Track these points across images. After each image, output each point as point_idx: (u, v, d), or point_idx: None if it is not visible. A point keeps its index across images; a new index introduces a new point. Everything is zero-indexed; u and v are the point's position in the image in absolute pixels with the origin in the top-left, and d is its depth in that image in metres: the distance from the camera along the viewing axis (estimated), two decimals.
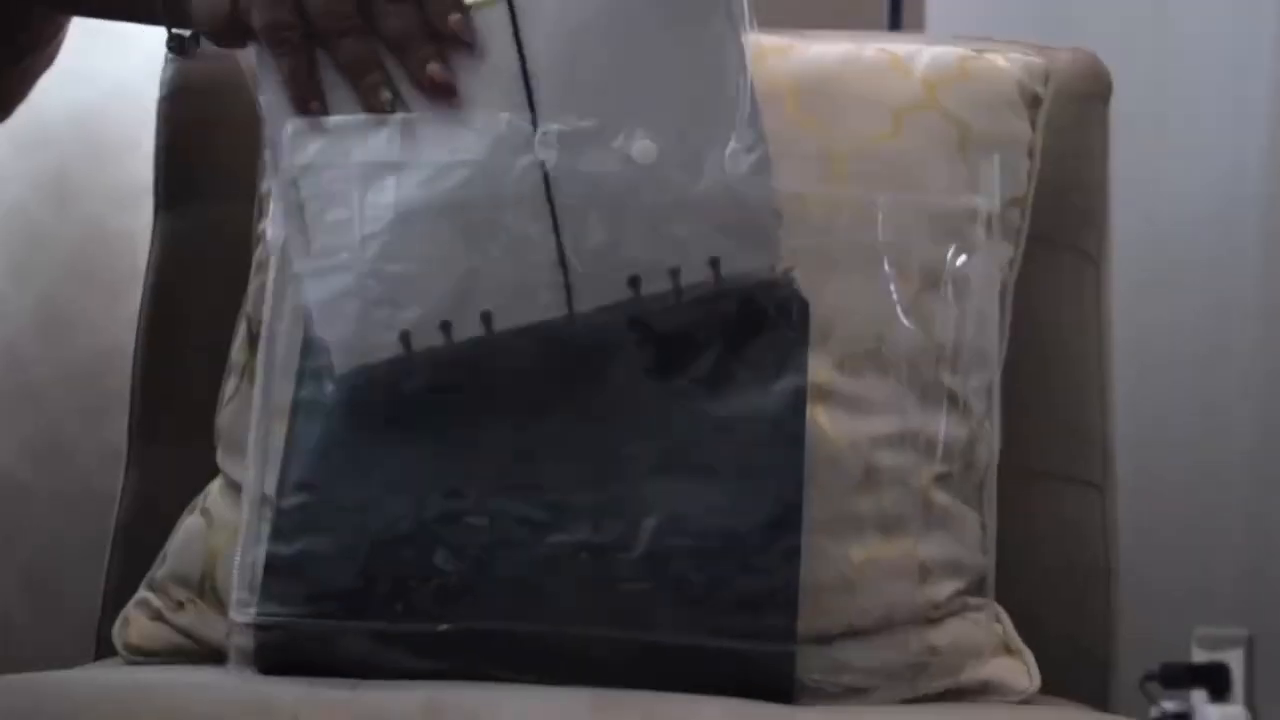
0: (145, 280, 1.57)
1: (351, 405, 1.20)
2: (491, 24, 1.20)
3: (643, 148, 1.20)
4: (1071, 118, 1.50)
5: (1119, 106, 1.55)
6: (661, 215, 1.20)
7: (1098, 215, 1.53)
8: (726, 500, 1.18)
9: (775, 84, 1.36)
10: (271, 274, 1.30)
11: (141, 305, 1.56)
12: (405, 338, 1.19)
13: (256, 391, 1.27)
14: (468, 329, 1.18)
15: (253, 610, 1.18)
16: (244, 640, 1.18)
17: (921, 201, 1.35)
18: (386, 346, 1.19)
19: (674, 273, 1.20)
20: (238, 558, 1.21)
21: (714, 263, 1.21)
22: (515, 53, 1.21)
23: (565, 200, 1.20)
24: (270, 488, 1.22)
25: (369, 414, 1.20)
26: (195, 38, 1.25)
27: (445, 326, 1.19)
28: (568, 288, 1.20)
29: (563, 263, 1.20)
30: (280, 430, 1.23)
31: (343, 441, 1.20)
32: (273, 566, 1.18)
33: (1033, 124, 1.42)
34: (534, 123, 1.20)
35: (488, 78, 1.21)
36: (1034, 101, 1.42)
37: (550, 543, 1.17)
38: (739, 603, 1.16)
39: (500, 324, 1.19)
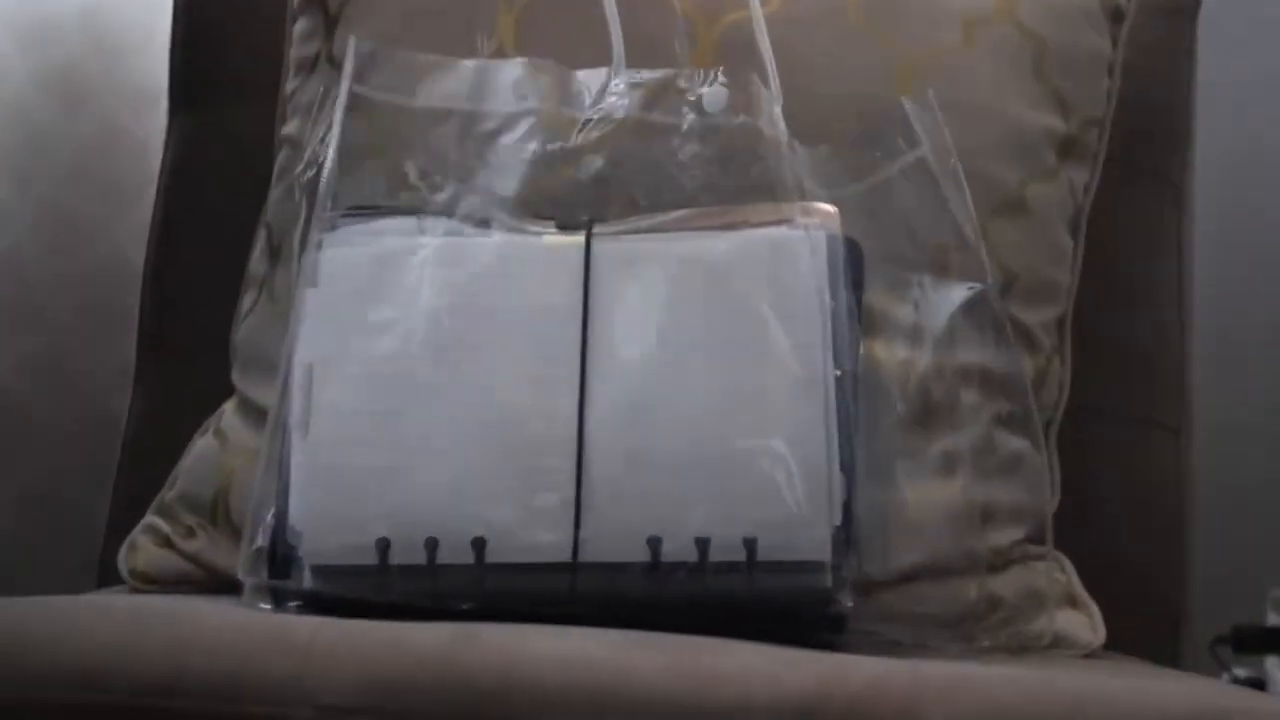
0: (158, 185, 1.57)
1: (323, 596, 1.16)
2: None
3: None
4: (1156, 33, 1.49)
5: (1207, 20, 1.54)
6: (701, 472, 1.16)
7: (1181, 139, 1.53)
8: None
9: None
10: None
11: (154, 212, 1.56)
12: (382, 549, 1.15)
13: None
14: (454, 552, 1.15)
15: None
16: (259, 576, 1.18)
17: (992, 119, 1.35)
18: (359, 552, 1.15)
19: (701, 543, 1.15)
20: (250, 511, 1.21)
21: (749, 544, 1.15)
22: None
23: (597, 437, 1.17)
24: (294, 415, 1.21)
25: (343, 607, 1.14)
26: None
27: (430, 545, 1.15)
28: (576, 529, 1.15)
29: (577, 502, 1.16)
30: None
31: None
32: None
33: (1114, 40, 1.42)
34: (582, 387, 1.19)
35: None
36: (1116, 15, 1.42)
37: None
38: (779, 532, 1.15)
39: (493, 556, 1.15)
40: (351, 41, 1.30)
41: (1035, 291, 1.35)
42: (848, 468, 1.16)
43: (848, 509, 1.15)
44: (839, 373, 1.18)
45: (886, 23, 1.37)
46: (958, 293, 1.29)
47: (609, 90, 1.30)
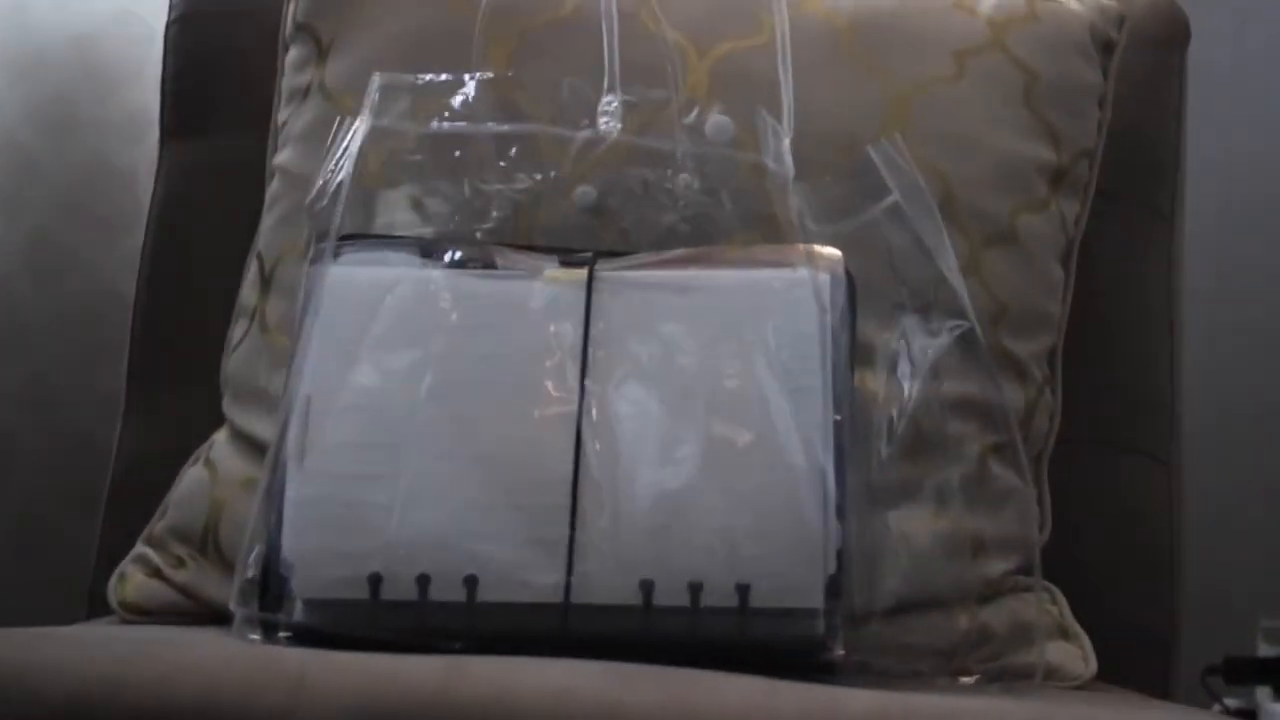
0: (149, 215, 1.56)
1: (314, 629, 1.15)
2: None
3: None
4: (1146, 66, 1.50)
5: (1196, 54, 1.55)
6: (695, 517, 1.15)
7: (1171, 171, 1.53)
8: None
9: (829, 21, 1.37)
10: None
11: (144, 241, 1.56)
12: (374, 583, 1.15)
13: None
14: (446, 590, 1.14)
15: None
16: (250, 608, 1.17)
17: (983, 150, 1.35)
18: (351, 586, 1.15)
19: (694, 588, 1.14)
20: (245, 541, 1.20)
21: (741, 591, 1.14)
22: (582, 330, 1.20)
23: (592, 478, 1.16)
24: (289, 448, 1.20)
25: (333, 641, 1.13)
26: None
27: (422, 581, 1.15)
28: (569, 570, 1.15)
29: (570, 542, 1.15)
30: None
31: None
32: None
33: (1104, 71, 1.42)
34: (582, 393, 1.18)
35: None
36: (1107, 47, 1.42)
37: None
38: (772, 580, 1.14)
39: (484, 595, 1.14)
40: (376, 78, 1.29)
41: (1026, 322, 1.35)
42: (842, 514, 1.15)
43: (841, 556, 1.15)
44: (838, 418, 1.17)
45: (877, 55, 1.36)
46: (944, 327, 1.28)
47: (601, 109, 1.30)
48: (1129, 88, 1.45)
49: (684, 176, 1.29)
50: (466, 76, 1.32)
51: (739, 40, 1.37)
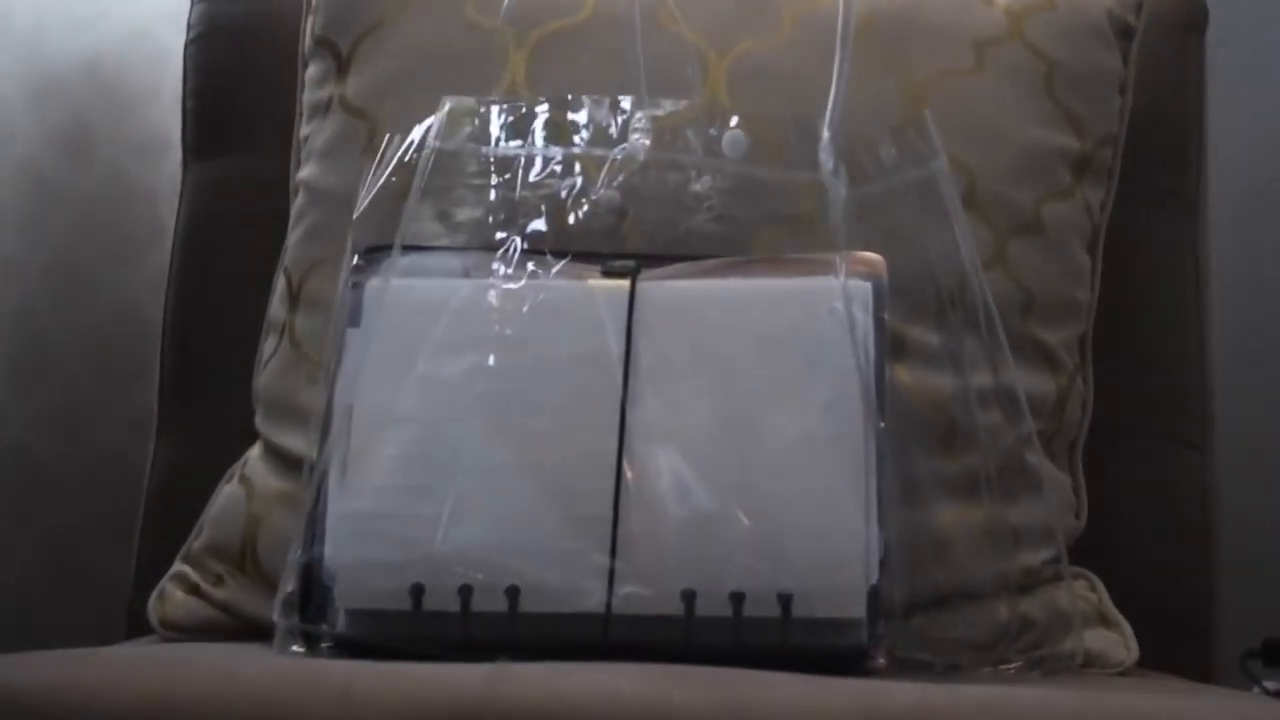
0: (175, 233, 1.57)
1: (356, 640, 1.16)
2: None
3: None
4: (1166, 50, 1.50)
5: (1216, 37, 1.55)
6: (738, 527, 1.15)
7: (1194, 156, 1.53)
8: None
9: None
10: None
11: (171, 260, 1.56)
12: (417, 594, 1.15)
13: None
14: (488, 600, 1.15)
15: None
16: (292, 620, 1.18)
17: (1006, 140, 1.35)
18: (393, 597, 1.15)
19: (736, 598, 1.14)
20: (291, 555, 1.20)
21: (784, 600, 1.14)
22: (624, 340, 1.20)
23: (635, 488, 1.16)
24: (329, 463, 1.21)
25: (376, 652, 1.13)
26: None
27: (465, 592, 1.15)
28: (611, 580, 1.15)
29: (613, 553, 1.15)
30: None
31: None
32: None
33: (1124, 57, 1.42)
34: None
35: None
36: (1125, 33, 1.42)
37: None
38: (815, 590, 1.15)
39: (526, 605, 1.14)
40: (445, 102, 1.30)
41: (1055, 311, 1.35)
42: (884, 522, 1.16)
43: (884, 565, 1.15)
44: (881, 425, 1.18)
45: (897, 47, 1.37)
46: (974, 314, 1.28)
47: (633, 125, 1.30)
48: (1149, 73, 1.45)
49: (707, 178, 1.29)
50: (525, 105, 1.32)
51: (757, 39, 1.37)
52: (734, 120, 1.30)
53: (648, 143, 1.29)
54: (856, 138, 1.28)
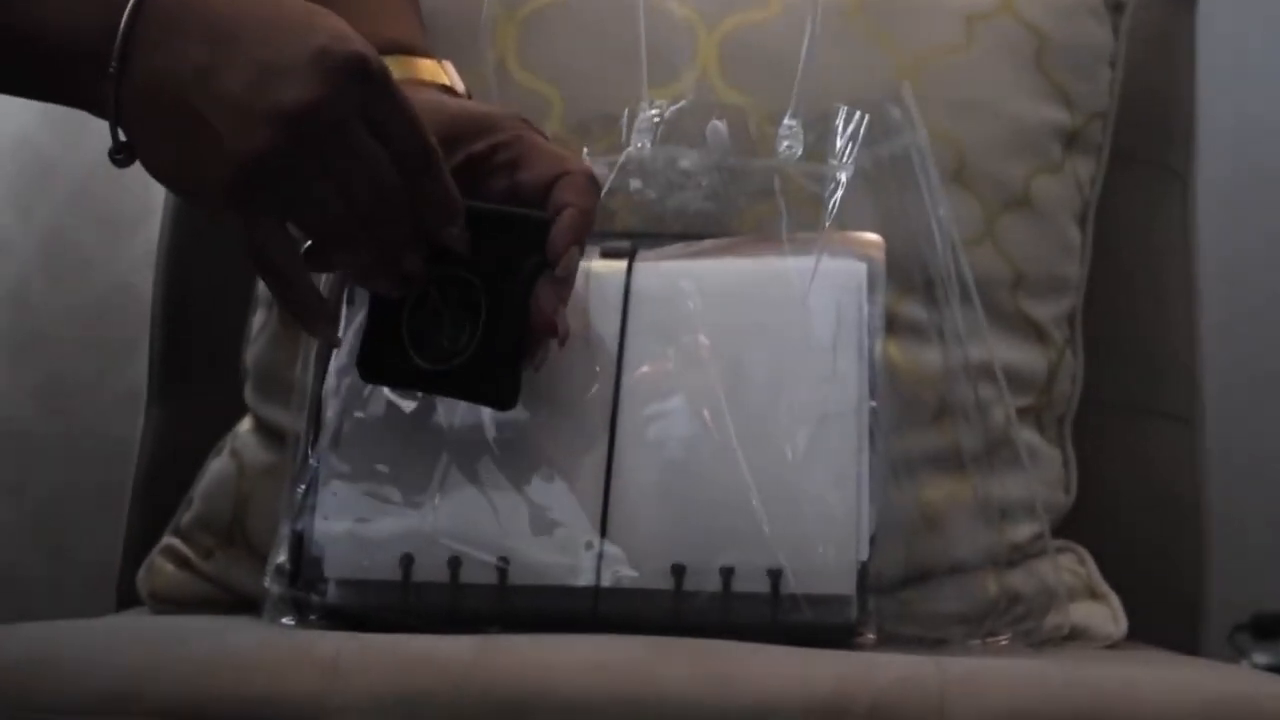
0: (165, 207, 1.56)
1: (346, 610, 1.17)
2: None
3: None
4: (1156, 24, 1.50)
5: (1205, 10, 1.55)
6: (728, 502, 1.15)
7: (1184, 130, 1.53)
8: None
9: None
10: None
11: (161, 233, 1.56)
12: (406, 565, 1.16)
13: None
14: (477, 572, 1.15)
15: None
16: (281, 589, 1.19)
17: (996, 115, 1.35)
18: (383, 567, 1.16)
19: (725, 573, 1.14)
20: (282, 529, 1.21)
21: (773, 576, 1.14)
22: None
23: (626, 463, 1.16)
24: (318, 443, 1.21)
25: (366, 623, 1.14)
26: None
27: (454, 564, 1.15)
28: (600, 554, 1.14)
29: (603, 527, 1.15)
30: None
31: None
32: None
33: (1115, 30, 1.42)
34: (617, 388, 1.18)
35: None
36: (1117, 7, 1.42)
37: None
38: (804, 566, 1.14)
39: (515, 578, 1.14)
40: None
41: (1045, 286, 1.35)
42: (876, 499, 1.16)
43: (874, 542, 1.15)
44: (873, 404, 1.18)
45: (886, 22, 1.36)
46: (960, 292, 1.28)
47: (638, 125, 1.29)
48: (1140, 47, 1.45)
49: (696, 154, 1.29)
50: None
51: (747, 12, 1.37)
52: (716, 110, 1.30)
53: (649, 144, 1.29)
54: (832, 112, 1.28)
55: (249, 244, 1.04)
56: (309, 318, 1.09)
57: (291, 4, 1.02)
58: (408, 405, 1.19)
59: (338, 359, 1.22)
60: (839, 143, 1.27)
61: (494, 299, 1.13)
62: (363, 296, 1.21)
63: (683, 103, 1.30)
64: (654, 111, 1.29)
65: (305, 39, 0.99)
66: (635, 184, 1.28)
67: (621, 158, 1.28)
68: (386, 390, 1.19)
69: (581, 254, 1.14)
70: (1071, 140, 1.38)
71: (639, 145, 1.29)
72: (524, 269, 1.13)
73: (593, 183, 1.15)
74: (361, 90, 1.01)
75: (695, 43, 1.35)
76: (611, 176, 1.27)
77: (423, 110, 1.06)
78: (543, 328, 1.13)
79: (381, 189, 1.04)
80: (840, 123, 1.27)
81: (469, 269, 1.13)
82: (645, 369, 1.19)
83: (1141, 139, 1.48)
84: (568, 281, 1.14)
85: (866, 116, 1.27)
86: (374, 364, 1.16)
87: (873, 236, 1.24)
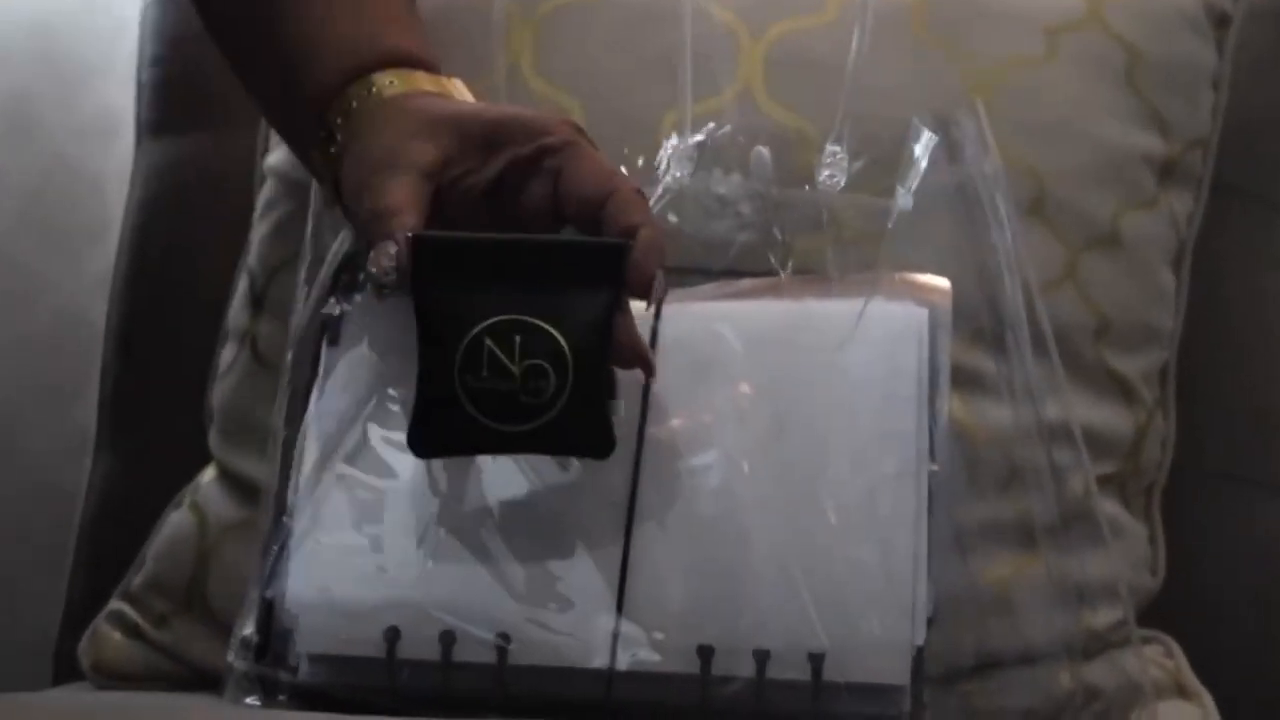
0: (123, 225, 1.56)
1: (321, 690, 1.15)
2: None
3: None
4: (1267, 41, 1.48)
5: None
6: (764, 576, 1.14)
7: None
8: None
9: None
10: (309, 227, 1.28)
11: (118, 254, 1.56)
12: (391, 639, 1.14)
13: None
14: (474, 650, 1.13)
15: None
16: (246, 664, 1.17)
17: (1080, 140, 1.33)
18: (364, 642, 1.14)
19: (760, 656, 1.12)
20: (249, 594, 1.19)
21: (815, 660, 1.12)
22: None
23: (647, 528, 1.15)
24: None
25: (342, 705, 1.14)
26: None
27: (446, 639, 1.13)
28: (616, 631, 1.13)
29: (619, 600, 1.13)
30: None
31: None
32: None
33: (1219, 47, 1.40)
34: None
35: None
36: (1221, 20, 1.41)
37: None
38: (851, 650, 1.12)
39: (517, 657, 1.12)
40: None
41: (1134, 337, 1.33)
42: (934, 576, 1.14)
43: (932, 624, 1.14)
44: (934, 468, 1.16)
45: (956, 32, 1.35)
46: (1037, 337, 1.27)
47: (676, 154, 1.28)
48: (1247, 66, 1.43)
49: (736, 178, 1.28)
50: None
51: (799, 18, 1.35)
52: (762, 135, 1.29)
53: (687, 173, 1.27)
54: (887, 134, 1.27)
55: None
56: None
57: None
58: (396, 458, 1.17)
59: (316, 400, 1.21)
60: (901, 169, 1.26)
61: (575, 340, 1.10)
62: (352, 334, 1.20)
63: (727, 127, 1.28)
64: (700, 137, 1.28)
65: None
66: (672, 218, 1.27)
67: (659, 189, 1.27)
68: (373, 439, 1.18)
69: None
70: (1167, 170, 1.36)
71: (677, 175, 1.28)
72: (600, 301, 1.11)
73: (644, 200, 1.14)
74: None
75: (737, 51, 1.34)
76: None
77: (461, 115, 1.14)
78: (633, 362, 1.13)
79: None
80: (907, 145, 1.26)
81: (531, 312, 1.11)
82: (672, 423, 1.17)
83: (1247, 171, 1.46)
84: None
85: (934, 139, 1.26)
86: (432, 436, 1.13)
87: (939, 281, 1.22)
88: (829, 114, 1.29)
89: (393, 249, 1.09)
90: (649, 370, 1.13)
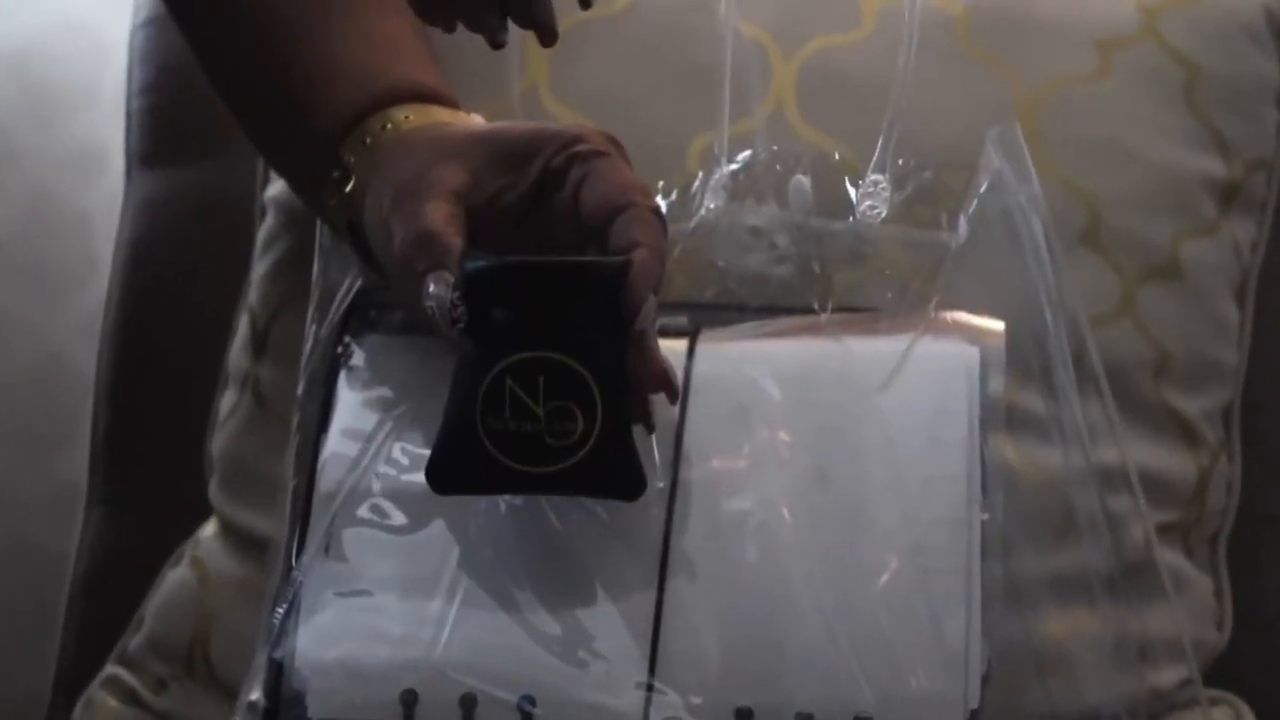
0: (114, 262, 1.57)
1: None
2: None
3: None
4: None
5: None
6: (806, 634, 1.14)
7: None
8: None
9: (942, 8, 1.36)
10: (316, 265, 1.28)
11: (109, 292, 1.57)
12: (408, 703, 1.14)
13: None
14: (496, 713, 1.13)
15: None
16: None
17: (1136, 162, 1.34)
18: (379, 706, 1.14)
19: (802, 719, 1.12)
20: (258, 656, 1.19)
21: None
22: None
23: (681, 583, 1.15)
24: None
25: None
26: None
27: (467, 703, 1.14)
28: (649, 693, 1.13)
29: (652, 660, 1.14)
30: None
31: None
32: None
33: None
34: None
35: None
36: None
37: None
38: (901, 713, 1.13)
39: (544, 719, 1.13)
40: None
41: (1195, 374, 1.34)
42: (989, 632, 1.14)
43: (986, 684, 1.13)
44: (985, 517, 1.16)
45: (1004, 46, 1.36)
46: (1087, 374, 1.26)
47: (712, 185, 1.29)
48: None
49: (771, 208, 1.29)
50: None
51: (833, 35, 1.36)
52: (802, 164, 1.30)
53: (721, 203, 1.29)
54: (936, 161, 1.29)
55: None
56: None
57: None
58: (412, 508, 1.18)
59: (326, 447, 1.21)
60: (956, 198, 1.27)
61: (598, 372, 1.10)
62: (363, 377, 1.20)
63: (762, 154, 1.30)
64: (735, 166, 1.29)
65: None
66: (704, 250, 1.28)
67: (693, 223, 1.28)
68: (388, 488, 1.19)
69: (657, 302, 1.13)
70: (1229, 195, 1.37)
71: (710, 207, 1.29)
72: (618, 328, 1.11)
73: (662, 221, 1.14)
74: None
75: (768, 70, 1.35)
76: (678, 246, 1.26)
77: (487, 135, 1.17)
78: (656, 386, 1.13)
79: None
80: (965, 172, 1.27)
81: (549, 347, 1.11)
82: (708, 466, 1.18)
83: None
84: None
85: (1002, 165, 1.26)
86: (451, 474, 1.13)
87: (992, 323, 1.23)
88: (865, 136, 1.30)
89: (450, 278, 1.10)
90: (673, 395, 1.13)
